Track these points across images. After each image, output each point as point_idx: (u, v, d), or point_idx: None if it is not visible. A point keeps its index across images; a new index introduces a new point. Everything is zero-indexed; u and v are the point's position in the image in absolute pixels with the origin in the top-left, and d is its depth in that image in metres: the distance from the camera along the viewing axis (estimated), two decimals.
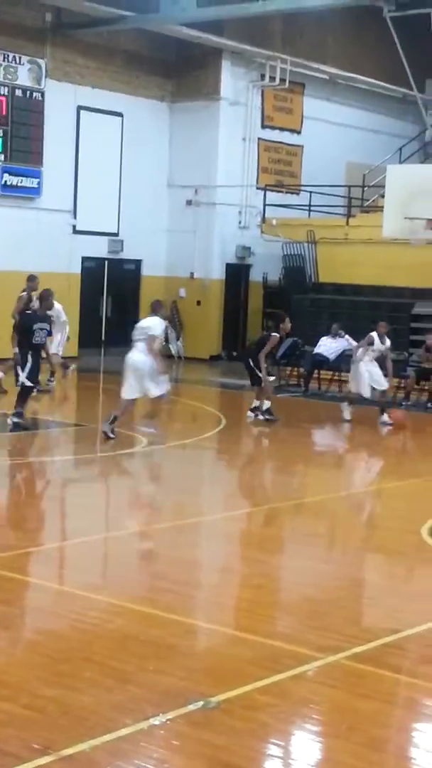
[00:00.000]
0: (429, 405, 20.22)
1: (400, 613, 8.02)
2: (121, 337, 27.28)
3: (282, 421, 17.42)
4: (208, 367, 26.53)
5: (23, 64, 24.33)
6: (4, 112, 24.01)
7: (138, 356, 14.38)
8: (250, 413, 17.78)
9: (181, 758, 5.47)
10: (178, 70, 27.71)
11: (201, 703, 5.99)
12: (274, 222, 26.92)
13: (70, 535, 10.25)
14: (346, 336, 20.99)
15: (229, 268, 27.96)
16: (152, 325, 14.62)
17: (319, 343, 21.42)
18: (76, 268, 26.12)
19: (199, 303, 27.72)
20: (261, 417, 17.46)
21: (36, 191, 24.80)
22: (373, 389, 17.83)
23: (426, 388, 20.51)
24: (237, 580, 9.07)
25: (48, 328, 15.56)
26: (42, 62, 24.69)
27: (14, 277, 20.96)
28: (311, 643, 7.17)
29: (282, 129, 28.99)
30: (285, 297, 25.72)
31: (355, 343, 19.10)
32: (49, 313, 16.25)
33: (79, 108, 25.78)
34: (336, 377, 21.42)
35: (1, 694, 6.03)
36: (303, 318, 23.48)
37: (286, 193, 28.47)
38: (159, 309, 15.28)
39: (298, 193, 28.44)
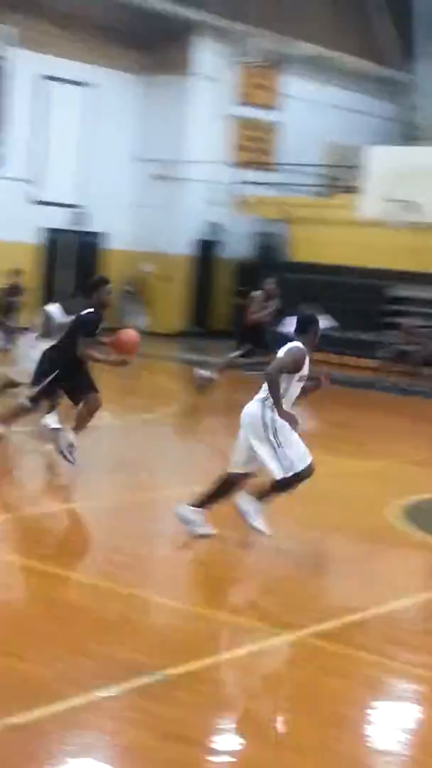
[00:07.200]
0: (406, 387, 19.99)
1: None
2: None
3: None
4: (177, 342, 25.72)
5: None
6: None
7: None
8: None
9: None
10: (152, 43, 26.84)
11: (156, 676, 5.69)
12: (248, 200, 26.26)
13: None
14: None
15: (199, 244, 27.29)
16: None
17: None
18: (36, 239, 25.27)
19: (164, 278, 26.90)
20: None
21: None
22: None
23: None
24: None
25: None
26: (7, 28, 23.75)
27: None
28: None
29: (258, 106, 28.32)
30: (256, 275, 25.05)
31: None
32: None
33: (45, 77, 24.91)
34: None
35: None
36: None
37: (261, 171, 27.80)
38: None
39: (275, 169, 27.77)
